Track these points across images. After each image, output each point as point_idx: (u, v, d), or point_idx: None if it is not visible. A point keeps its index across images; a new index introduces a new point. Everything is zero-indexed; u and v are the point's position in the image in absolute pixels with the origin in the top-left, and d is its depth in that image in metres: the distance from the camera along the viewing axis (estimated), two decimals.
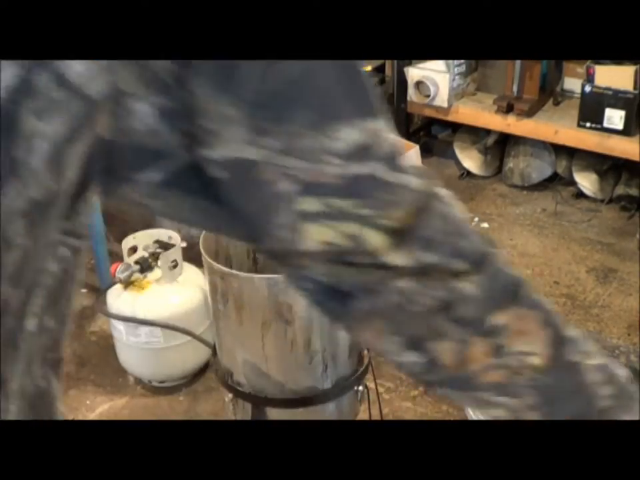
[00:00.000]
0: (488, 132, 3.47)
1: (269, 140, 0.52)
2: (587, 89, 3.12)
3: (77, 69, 0.43)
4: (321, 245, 0.56)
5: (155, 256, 2.37)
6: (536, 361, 0.63)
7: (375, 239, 0.56)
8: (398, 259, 0.57)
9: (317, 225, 0.56)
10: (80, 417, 2.50)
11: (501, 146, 3.52)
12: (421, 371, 0.65)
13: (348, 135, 0.54)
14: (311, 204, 0.55)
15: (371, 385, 1.88)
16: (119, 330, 2.46)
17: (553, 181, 3.43)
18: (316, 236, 0.56)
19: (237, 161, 0.53)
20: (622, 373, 0.66)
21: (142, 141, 0.51)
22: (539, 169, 3.41)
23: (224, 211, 0.57)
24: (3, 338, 0.48)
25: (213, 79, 0.50)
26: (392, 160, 0.58)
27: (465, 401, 0.68)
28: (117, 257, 2.55)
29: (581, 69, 3.25)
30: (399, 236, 0.57)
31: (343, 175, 0.54)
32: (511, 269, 0.64)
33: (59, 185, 0.46)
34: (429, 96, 3.36)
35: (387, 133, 0.59)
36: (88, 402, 2.59)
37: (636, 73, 3.05)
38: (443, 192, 0.60)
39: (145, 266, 2.36)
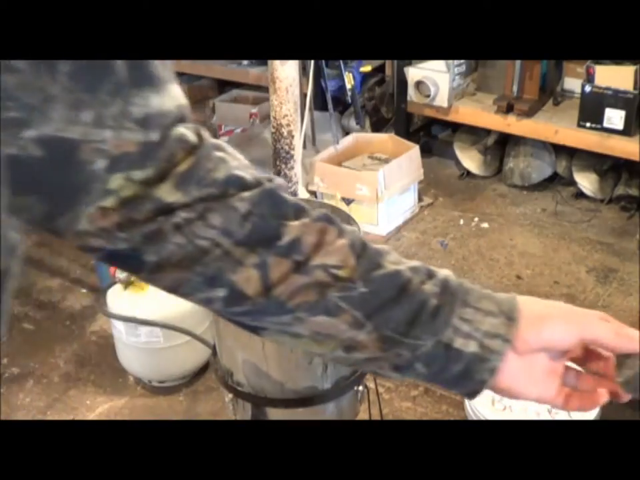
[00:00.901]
0: (488, 132, 3.47)
1: (84, 113, 0.53)
2: (587, 89, 3.11)
3: None
4: (104, 212, 0.58)
5: None
6: (342, 272, 0.63)
7: (158, 191, 0.59)
8: (175, 197, 0.59)
9: (112, 197, 0.58)
10: (80, 417, 2.50)
11: (501, 146, 3.52)
12: (226, 306, 0.64)
13: (147, 101, 0.56)
14: (116, 181, 0.57)
15: (371, 385, 1.88)
16: (119, 330, 2.46)
17: (553, 181, 3.43)
18: (105, 203, 0.58)
19: (57, 140, 0.52)
20: (442, 273, 0.66)
21: None
22: (539, 169, 3.41)
23: (32, 195, 0.55)
24: None
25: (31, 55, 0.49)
26: (183, 117, 0.61)
27: (283, 331, 0.65)
28: None
29: (580, 69, 3.25)
30: (176, 178, 0.59)
31: (143, 143, 0.57)
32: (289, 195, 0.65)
33: None
34: (428, 96, 3.36)
35: (179, 96, 0.60)
36: (88, 402, 2.59)
37: (636, 72, 3.05)
38: (218, 142, 0.64)
39: None
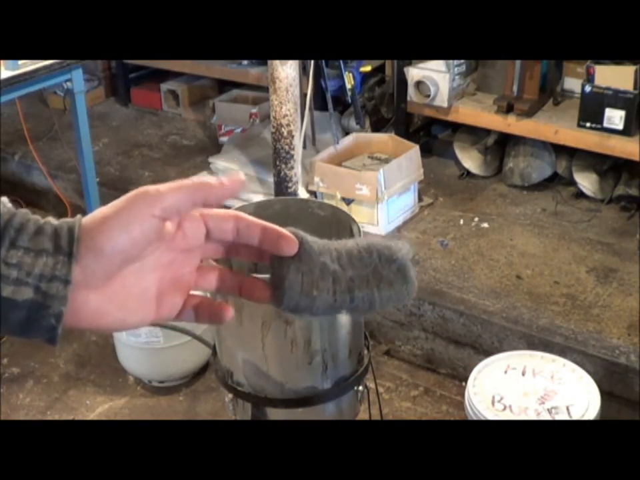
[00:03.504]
0: (488, 132, 3.47)
1: None
2: (587, 88, 3.12)
3: None
4: None
5: None
6: None
7: None
8: None
9: None
10: (80, 417, 2.50)
11: (501, 146, 3.52)
12: None
13: None
14: None
15: (371, 385, 1.88)
16: None
17: (553, 181, 3.43)
18: None
19: None
20: None
21: None
22: (539, 169, 3.41)
23: None
24: None
25: None
26: None
27: None
28: None
29: (581, 69, 3.25)
30: None
31: None
32: None
33: None
34: (429, 96, 3.36)
35: None
36: (88, 402, 2.59)
37: (636, 73, 3.05)
38: None
39: None
